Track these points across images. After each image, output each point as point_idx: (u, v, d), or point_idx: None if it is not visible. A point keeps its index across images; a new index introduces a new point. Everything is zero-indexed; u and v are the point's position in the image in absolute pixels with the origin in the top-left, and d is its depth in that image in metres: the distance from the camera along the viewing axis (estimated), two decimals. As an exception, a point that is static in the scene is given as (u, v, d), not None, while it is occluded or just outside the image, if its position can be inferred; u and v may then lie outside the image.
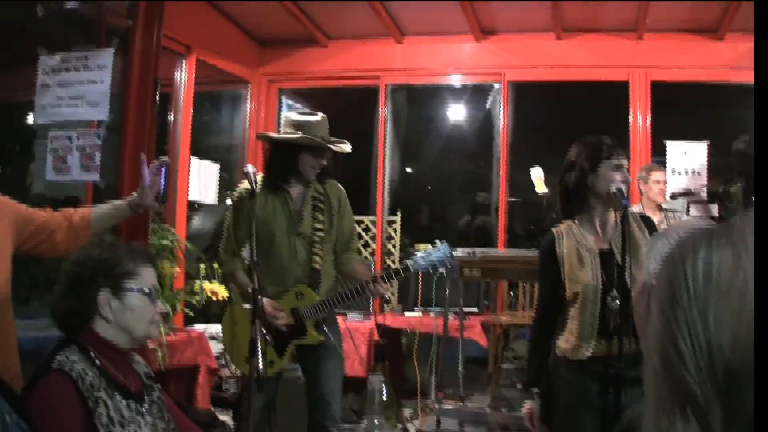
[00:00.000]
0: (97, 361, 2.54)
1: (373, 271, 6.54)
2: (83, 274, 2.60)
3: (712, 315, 0.79)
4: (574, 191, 3.68)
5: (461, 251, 6.13)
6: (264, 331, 3.75)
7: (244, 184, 4.50)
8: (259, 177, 4.50)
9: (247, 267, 4.56)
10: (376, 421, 2.33)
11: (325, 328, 4.51)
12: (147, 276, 2.69)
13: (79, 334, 2.59)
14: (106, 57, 4.63)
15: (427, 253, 4.43)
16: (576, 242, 3.67)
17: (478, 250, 6.19)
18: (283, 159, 4.48)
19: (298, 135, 4.42)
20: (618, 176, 3.60)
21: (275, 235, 4.49)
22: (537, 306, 4.00)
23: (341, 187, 4.73)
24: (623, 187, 3.57)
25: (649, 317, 0.92)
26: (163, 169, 3.64)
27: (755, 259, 0.78)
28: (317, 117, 4.57)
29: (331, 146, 4.57)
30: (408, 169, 9.74)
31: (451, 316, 6.51)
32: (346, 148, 4.67)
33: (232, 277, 4.61)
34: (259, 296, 3.72)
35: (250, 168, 4.12)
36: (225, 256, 4.63)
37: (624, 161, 3.65)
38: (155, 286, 2.73)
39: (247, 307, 4.18)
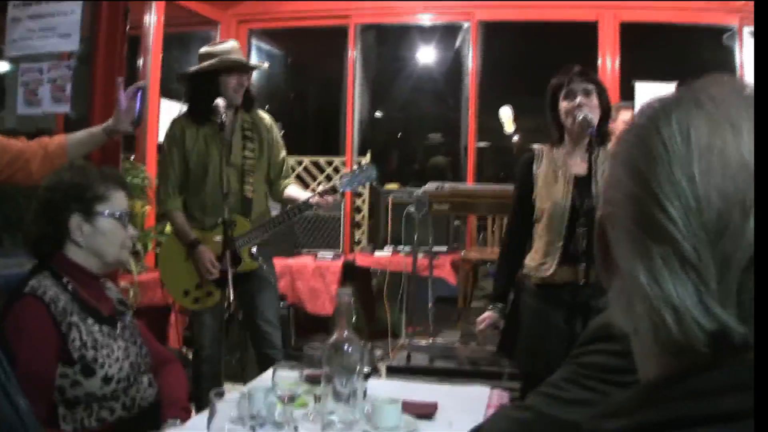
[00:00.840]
0: (69, 286, 2.56)
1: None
2: (55, 199, 2.60)
3: (696, 171, 0.80)
4: (551, 122, 3.71)
5: (430, 185, 6.19)
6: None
7: (175, 120, 4.63)
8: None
9: (183, 204, 4.61)
10: (346, 333, 2.35)
11: (259, 257, 4.57)
12: (118, 200, 2.69)
13: (51, 259, 2.60)
14: None
15: (354, 173, 4.57)
16: (554, 164, 3.69)
17: (447, 185, 6.24)
18: (205, 88, 4.49)
19: (213, 61, 4.49)
20: (569, 104, 3.59)
21: (208, 166, 4.53)
22: (507, 222, 4.04)
23: (270, 117, 4.82)
24: (587, 114, 3.52)
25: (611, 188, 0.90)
26: (139, 93, 3.65)
27: (755, 241, 0.77)
28: (229, 43, 4.67)
29: (248, 63, 4.68)
30: (377, 111, 9.74)
31: (420, 255, 6.55)
32: (264, 65, 4.95)
33: (171, 216, 4.62)
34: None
35: (219, 101, 4.20)
36: (163, 193, 4.64)
37: (575, 86, 3.59)
38: (126, 211, 2.73)
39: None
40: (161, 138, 6.87)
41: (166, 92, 6.90)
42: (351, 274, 6.94)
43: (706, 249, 0.78)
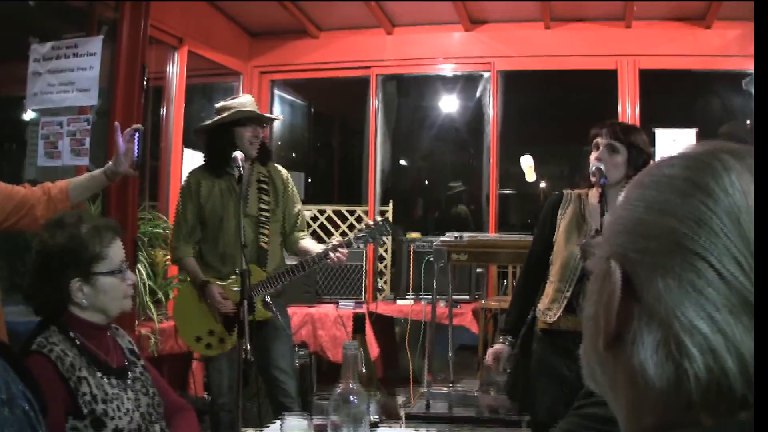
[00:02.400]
0: (77, 341, 2.57)
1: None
2: (51, 264, 2.60)
3: (748, 222, 0.81)
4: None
5: (449, 236, 6.22)
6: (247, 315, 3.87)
7: (192, 172, 4.75)
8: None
9: (197, 253, 4.71)
10: (351, 386, 2.37)
11: (273, 308, 4.62)
12: (115, 254, 2.70)
13: (56, 318, 2.62)
14: (96, 44, 4.67)
15: (368, 228, 4.63)
16: (580, 210, 3.74)
17: (466, 235, 6.27)
18: (220, 141, 4.59)
19: (228, 113, 4.60)
20: (593, 156, 3.68)
21: (223, 217, 4.61)
22: (526, 258, 4.04)
23: (284, 170, 4.90)
24: (600, 166, 3.61)
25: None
26: (137, 136, 3.72)
27: (756, 256, 0.80)
28: (243, 97, 4.79)
29: (263, 115, 4.77)
30: (400, 160, 9.78)
31: (442, 304, 6.56)
32: (278, 117, 5.07)
33: (183, 263, 4.70)
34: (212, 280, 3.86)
35: (237, 154, 4.27)
36: (176, 242, 4.71)
37: (600, 140, 3.69)
38: (123, 260, 2.74)
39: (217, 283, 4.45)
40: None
41: (189, 142, 6.97)
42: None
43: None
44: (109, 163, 3.69)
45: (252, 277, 4.38)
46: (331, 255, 4.49)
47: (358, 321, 2.82)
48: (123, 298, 2.73)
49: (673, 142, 7.36)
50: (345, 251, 4.53)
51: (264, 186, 4.70)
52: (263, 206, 4.67)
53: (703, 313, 0.80)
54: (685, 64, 7.55)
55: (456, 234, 6.29)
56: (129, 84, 4.86)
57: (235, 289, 4.32)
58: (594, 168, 3.63)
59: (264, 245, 4.65)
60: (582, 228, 3.68)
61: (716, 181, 0.85)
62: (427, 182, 10.66)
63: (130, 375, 2.71)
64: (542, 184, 10.04)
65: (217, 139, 4.64)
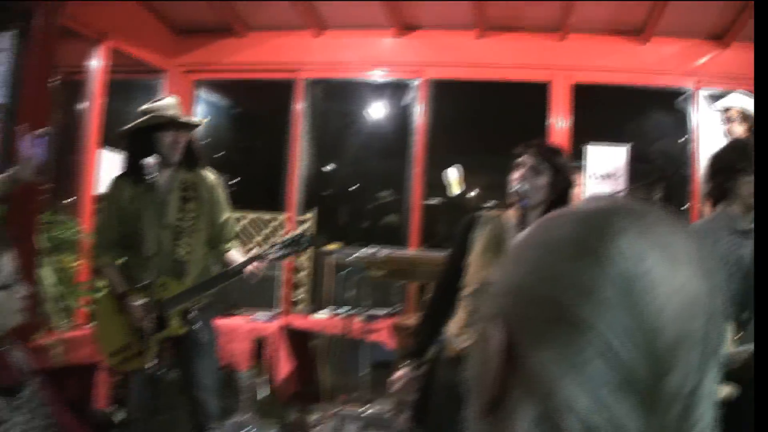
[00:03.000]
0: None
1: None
2: None
3: (645, 303, 0.75)
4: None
5: (366, 251, 6.05)
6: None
7: (115, 177, 4.57)
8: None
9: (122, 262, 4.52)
10: (247, 417, 2.19)
11: (194, 322, 4.44)
12: (4, 267, 2.55)
13: None
14: (5, 40, 4.53)
15: (285, 242, 4.49)
16: (496, 233, 3.65)
17: (384, 251, 6.09)
18: (139, 146, 4.46)
19: (146, 117, 4.45)
20: (515, 175, 3.63)
21: (141, 226, 4.41)
22: (437, 281, 3.93)
23: (213, 176, 4.72)
24: (522, 187, 3.57)
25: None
26: (43, 141, 3.57)
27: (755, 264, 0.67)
28: (166, 99, 4.60)
29: (181, 120, 4.56)
30: (325, 166, 9.59)
31: (361, 318, 6.37)
32: (200, 122, 4.76)
33: (103, 272, 4.54)
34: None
35: (149, 160, 4.28)
36: (96, 249, 4.55)
37: (521, 159, 3.65)
38: (13, 273, 2.58)
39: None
40: (100, 189, 6.73)
41: (109, 141, 6.70)
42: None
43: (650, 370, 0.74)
44: (15, 167, 3.51)
45: (167, 290, 4.30)
46: (247, 269, 4.37)
47: (258, 347, 2.68)
48: (13, 313, 2.58)
49: (604, 158, 7.26)
50: (261, 264, 4.41)
51: (186, 193, 4.53)
52: (184, 215, 4.49)
53: (586, 390, 0.75)
54: (621, 79, 7.49)
55: (374, 249, 6.09)
56: (38, 82, 4.78)
57: (140, 302, 4.21)
58: (515, 188, 3.58)
59: (182, 256, 4.46)
60: (500, 250, 3.57)
61: (607, 245, 0.78)
62: (353, 190, 10.46)
63: (21, 395, 2.53)
64: (471, 194, 9.94)
65: (136, 143, 4.50)
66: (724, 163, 3.85)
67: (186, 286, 4.43)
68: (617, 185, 7.09)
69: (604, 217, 0.81)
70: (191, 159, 4.59)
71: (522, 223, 3.54)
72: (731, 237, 3.88)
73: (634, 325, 0.74)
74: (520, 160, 3.66)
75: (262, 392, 2.30)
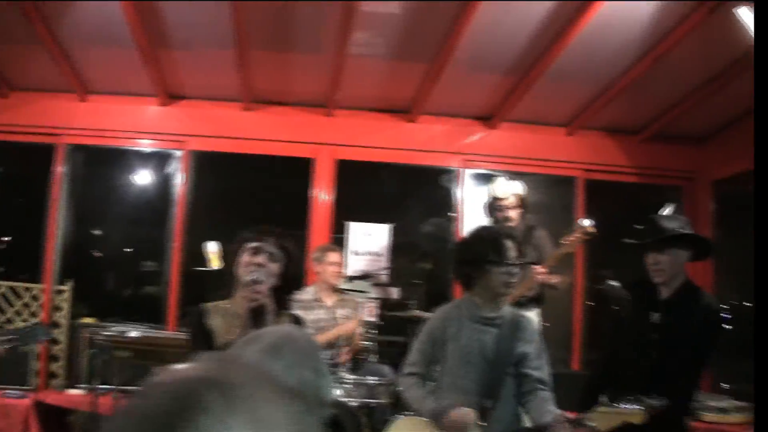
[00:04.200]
0: None
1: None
2: None
3: None
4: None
5: (114, 330, 5.88)
6: None
7: None
8: None
9: None
10: None
11: None
12: None
13: None
14: None
15: (20, 331, 4.37)
16: (230, 321, 3.61)
17: (134, 332, 5.93)
18: None
19: None
20: (251, 260, 3.64)
21: None
22: None
23: None
24: (258, 276, 3.56)
25: None
26: None
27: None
28: None
29: None
30: (88, 233, 9.27)
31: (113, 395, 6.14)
32: None
33: None
34: None
35: None
36: None
37: (257, 245, 3.64)
38: None
39: None
40: None
41: None
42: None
43: None
44: None
45: None
46: None
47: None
48: None
49: (367, 236, 7.36)
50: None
51: None
52: None
53: None
54: (387, 157, 7.63)
55: (122, 329, 5.93)
56: None
57: None
58: (247, 279, 3.55)
59: None
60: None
61: (187, 425, 0.75)
62: (118, 258, 10.16)
63: None
64: (217, 266, 9.73)
65: None
66: (472, 254, 3.97)
67: None
68: (378, 263, 7.18)
69: (190, 393, 0.78)
70: None
71: (252, 311, 3.51)
72: (474, 324, 4.03)
73: None
74: (255, 245, 3.63)
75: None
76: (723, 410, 5.79)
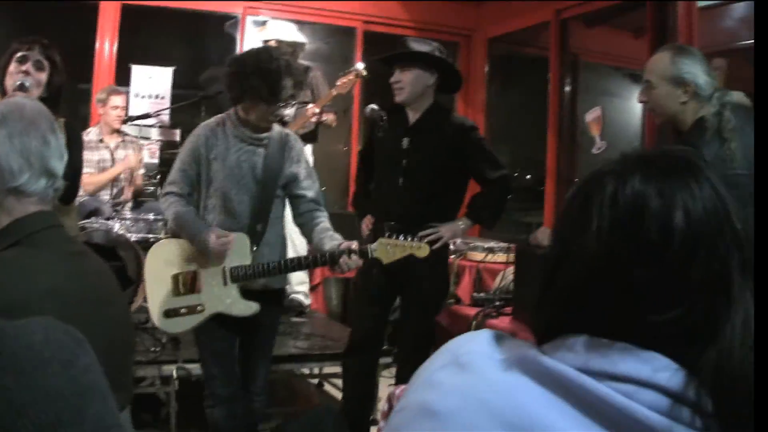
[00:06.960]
0: None
1: None
2: None
3: None
4: None
5: None
6: None
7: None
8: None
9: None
10: None
11: None
12: None
13: None
14: None
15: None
16: None
17: None
18: None
19: None
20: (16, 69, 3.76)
21: None
22: None
23: None
24: (23, 81, 3.70)
25: None
26: None
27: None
28: None
29: None
30: None
31: None
32: None
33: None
34: None
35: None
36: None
37: (25, 53, 3.75)
38: None
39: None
40: None
41: None
42: None
43: None
44: None
45: None
46: None
47: None
48: None
49: (149, 79, 7.39)
50: None
51: None
52: None
53: None
54: (171, 2, 7.59)
55: None
56: None
57: None
58: (18, 82, 3.69)
59: None
60: None
61: None
62: None
63: None
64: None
65: None
66: (247, 84, 3.79)
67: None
68: (160, 106, 7.20)
69: None
70: None
71: None
72: (241, 144, 3.92)
73: None
74: (23, 54, 3.73)
75: None
76: (490, 250, 5.99)
